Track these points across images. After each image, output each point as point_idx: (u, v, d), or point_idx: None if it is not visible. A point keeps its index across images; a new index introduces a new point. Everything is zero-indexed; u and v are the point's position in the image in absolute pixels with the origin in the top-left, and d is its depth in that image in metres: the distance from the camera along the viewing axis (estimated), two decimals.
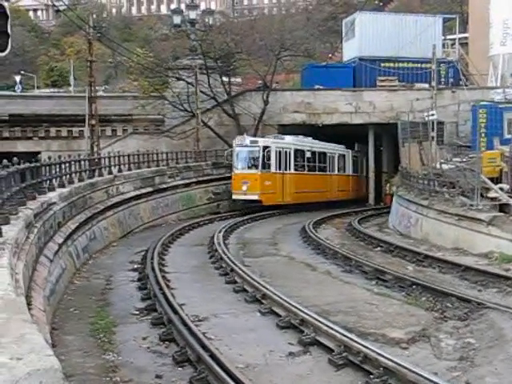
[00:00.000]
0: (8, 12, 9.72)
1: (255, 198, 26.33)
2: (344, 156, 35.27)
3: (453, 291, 10.64)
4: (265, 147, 26.64)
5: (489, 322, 8.77)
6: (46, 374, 2.88)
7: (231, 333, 8.51)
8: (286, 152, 28.09)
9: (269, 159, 26.70)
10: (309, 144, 30.84)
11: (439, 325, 8.96)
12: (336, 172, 34.12)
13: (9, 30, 9.90)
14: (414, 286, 11.25)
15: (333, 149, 34.13)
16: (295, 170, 29.14)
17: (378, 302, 10.29)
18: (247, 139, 27.04)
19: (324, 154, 32.95)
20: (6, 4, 10.31)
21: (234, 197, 26.76)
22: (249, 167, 26.92)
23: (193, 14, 28.15)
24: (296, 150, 29.03)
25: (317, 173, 31.84)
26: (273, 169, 27.14)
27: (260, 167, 26.56)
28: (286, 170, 28.03)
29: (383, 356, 6.78)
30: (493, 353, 7.55)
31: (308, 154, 30.30)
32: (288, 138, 29.18)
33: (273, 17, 72.01)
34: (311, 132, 32.34)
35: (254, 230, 21.31)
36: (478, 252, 15.05)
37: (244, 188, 26.13)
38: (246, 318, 9.34)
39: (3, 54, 10.22)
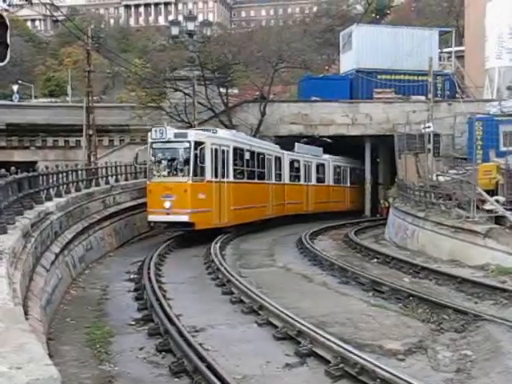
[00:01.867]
0: (8, 22, 9.78)
1: (184, 219, 18.54)
2: (323, 165, 32.84)
3: (449, 303, 10.65)
4: (197, 143, 18.80)
5: (485, 334, 8.78)
6: None
7: (228, 344, 8.49)
8: (223, 151, 20.60)
9: (203, 161, 18.95)
10: (253, 143, 24.36)
11: (436, 336, 8.96)
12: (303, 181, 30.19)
13: (8, 40, 9.96)
14: (410, 298, 11.24)
15: (271, 150, 26.77)
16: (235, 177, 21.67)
17: (375, 314, 10.28)
18: (170, 131, 19.09)
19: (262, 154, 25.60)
20: (5, 14, 10.36)
21: (150, 218, 18.92)
22: (173, 174, 18.95)
23: (191, 26, 28.21)
24: (236, 149, 21.68)
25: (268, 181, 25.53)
26: (208, 175, 19.40)
27: (191, 173, 18.66)
28: (223, 177, 20.49)
29: (380, 367, 6.78)
30: (490, 365, 7.55)
31: (247, 156, 22.95)
32: (224, 133, 22.33)
33: (270, 28, 72.35)
34: (308, 144, 32.40)
35: (250, 241, 21.29)
36: (474, 264, 15.06)
37: (166, 205, 18.23)
38: (243, 329, 9.33)
39: (2, 63, 10.25)
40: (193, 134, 19.11)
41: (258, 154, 24.33)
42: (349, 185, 36.46)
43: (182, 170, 18.86)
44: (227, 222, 20.73)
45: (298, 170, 29.49)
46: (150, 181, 19.11)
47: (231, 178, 21.08)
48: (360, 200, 36.94)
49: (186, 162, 18.81)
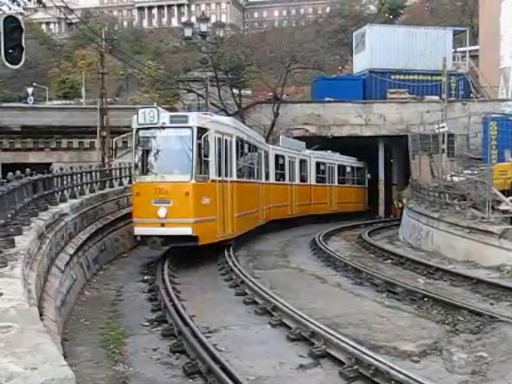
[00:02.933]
0: (23, 25, 9.88)
1: (186, 232, 14.33)
2: (306, 161, 29.14)
3: (464, 304, 10.57)
4: (201, 130, 14.67)
5: (501, 335, 8.69)
6: None
7: (242, 345, 8.48)
8: (226, 142, 16.44)
9: (207, 154, 14.67)
10: (250, 133, 20.38)
11: (451, 338, 8.89)
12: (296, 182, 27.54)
13: (23, 43, 10.06)
14: (425, 299, 11.18)
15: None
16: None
17: (389, 315, 10.23)
18: (164, 114, 15.13)
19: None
20: (20, 17, 10.47)
21: (137, 231, 14.68)
22: (169, 171, 14.77)
23: (203, 27, 28.27)
24: (238, 140, 17.72)
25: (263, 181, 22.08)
26: (212, 173, 15.24)
27: (194, 170, 14.50)
28: (226, 175, 16.37)
29: (395, 369, 6.73)
30: (506, 367, 7.48)
31: (246, 149, 19.19)
32: (225, 118, 19.11)
33: (283, 29, 72.43)
34: (321, 144, 32.33)
35: (263, 242, 21.27)
36: (489, 265, 14.94)
37: (161, 213, 14.10)
38: (257, 330, 9.32)
39: (17, 66, 10.36)
40: (195, 118, 14.87)
41: (254, 147, 20.68)
42: (336, 184, 33.16)
43: (181, 166, 14.63)
44: (231, 234, 16.47)
45: (282, 167, 25.79)
46: (137, 181, 14.84)
47: (234, 177, 16.90)
48: (353, 201, 35.08)
49: (187, 154, 14.56)
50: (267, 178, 22.85)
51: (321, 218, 29.55)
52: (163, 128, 14.66)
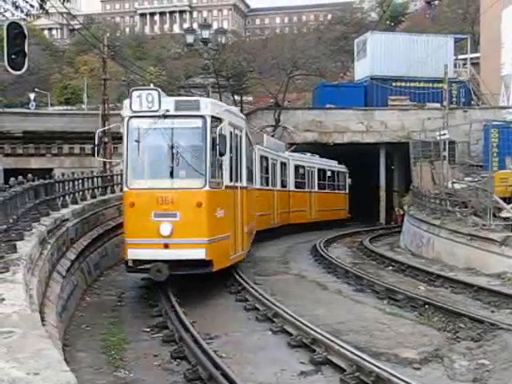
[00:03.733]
0: (26, 32, 9.93)
1: (198, 255, 11.27)
2: (285, 164, 26.18)
3: (465, 312, 10.56)
4: (215, 121, 11.67)
5: (502, 343, 8.68)
6: None
7: (242, 351, 8.48)
8: (237, 137, 13.46)
9: (223, 151, 11.48)
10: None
11: (452, 345, 8.88)
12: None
13: (26, 49, 10.11)
14: (426, 306, 11.17)
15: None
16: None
17: (390, 322, 10.22)
18: (168, 99, 11.95)
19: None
20: (23, 24, 10.51)
21: (131, 254, 11.42)
22: (174, 174, 11.58)
23: (205, 34, 28.34)
24: (247, 136, 15.20)
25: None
26: (226, 177, 12.30)
27: (208, 173, 11.47)
28: (237, 180, 13.39)
29: (396, 376, 6.73)
30: (507, 375, 7.47)
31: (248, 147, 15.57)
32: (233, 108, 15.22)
33: (284, 36, 72.64)
34: (322, 151, 32.33)
35: (264, 249, 21.25)
36: (490, 272, 14.93)
37: (164, 230, 11.09)
38: (258, 337, 9.31)
39: (20, 72, 10.40)
40: (208, 105, 11.76)
41: (251, 145, 17.46)
42: (316, 190, 30.06)
43: (191, 168, 11.47)
44: (241, 254, 13.91)
45: (267, 170, 22.96)
46: (130, 187, 11.57)
47: (244, 183, 14.00)
48: (334, 208, 32.36)
49: (199, 152, 11.54)
50: (255, 182, 18.91)
51: (300, 228, 26.89)
52: (166, 117, 11.39)
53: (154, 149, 12.05)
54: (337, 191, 33.12)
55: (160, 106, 11.33)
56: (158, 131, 11.54)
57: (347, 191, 34.97)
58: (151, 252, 11.19)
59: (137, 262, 11.57)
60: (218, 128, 11.40)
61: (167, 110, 11.40)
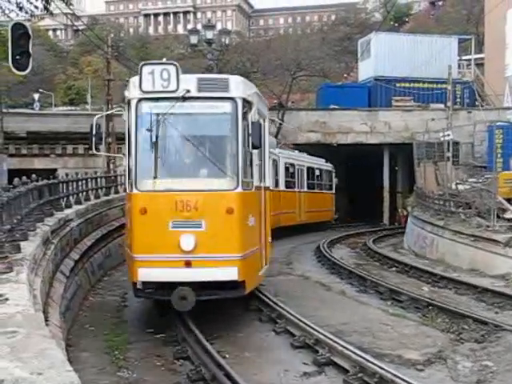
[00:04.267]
0: (30, 32, 9.96)
1: (229, 275, 9.13)
2: (276, 162, 23.53)
3: (469, 313, 10.54)
4: (246, 104, 9.50)
5: (506, 344, 8.66)
6: None
7: (246, 352, 8.48)
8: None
9: (257, 144, 9.47)
10: None
11: (456, 347, 8.86)
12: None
13: (30, 50, 10.14)
14: (429, 307, 11.16)
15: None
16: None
17: (394, 323, 10.21)
18: (188, 77, 9.49)
19: None
20: (28, 24, 10.55)
21: (143, 275, 9.17)
22: (198, 173, 9.68)
23: (209, 34, 28.33)
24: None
25: None
26: (256, 176, 10.12)
27: (240, 171, 9.24)
28: (261, 180, 10.91)
29: (399, 377, 6.72)
30: (511, 376, 7.45)
31: None
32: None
33: (288, 37, 72.53)
34: (326, 152, 32.29)
35: None
36: (494, 273, 14.90)
37: (185, 244, 8.89)
38: (261, 337, 9.31)
39: (24, 72, 10.44)
40: (240, 85, 9.45)
41: None
42: (306, 190, 28.44)
43: (219, 165, 9.33)
44: (266, 269, 11.36)
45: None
46: (140, 189, 9.24)
47: (267, 182, 11.53)
48: (322, 209, 30.83)
49: (229, 145, 9.50)
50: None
51: (287, 231, 24.13)
52: (186, 99, 9.14)
53: (170, 140, 9.59)
54: (324, 191, 31.67)
55: (178, 85, 8.96)
56: (175, 118, 9.32)
57: (334, 191, 33.03)
58: (169, 272, 8.91)
59: (148, 284, 9.25)
60: (250, 114, 9.45)
61: (187, 91, 9.06)
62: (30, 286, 5.88)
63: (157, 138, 9.23)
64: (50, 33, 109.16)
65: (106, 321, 10.26)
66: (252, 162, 9.69)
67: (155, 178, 9.26)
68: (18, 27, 10.00)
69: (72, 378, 2.99)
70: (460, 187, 21.23)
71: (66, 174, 14.84)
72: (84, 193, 15.61)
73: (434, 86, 34.90)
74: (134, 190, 9.23)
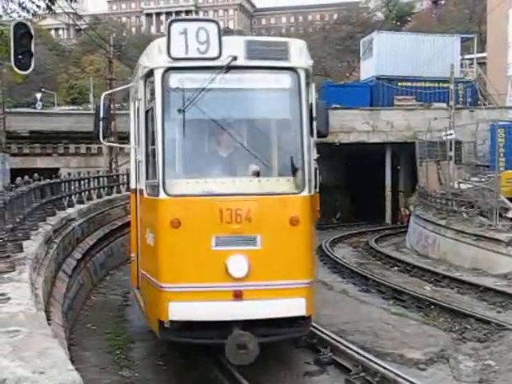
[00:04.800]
0: (32, 32, 9.96)
1: (296, 310, 6.65)
2: None
3: (472, 312, 10.54)
4: (308, 75, 7.08)
5: (509, 343, 8.66)
6: None
7: None
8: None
9: (324, 131, 7.22)
10: None
11: (458, 346, 8.86)
12: None
13: (32, 49, 10.14)
14: (432, 307, 11.17)
15: None
16: None
17: (396, 322, 10.20)
18: (233, 38, 8.50)
19: None
20: (30, 24, 10.56)
21: (175, 314, 6.56)
22: (244, 169, 7.09)
23: None
24: None
25: None
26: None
27: (306, 167, 6.84)
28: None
29: (401, 377, 6.72)
30: None
31: None
32: None
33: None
34: (328, 151, 32.23)
35: None
36: (497, 273, 14.89)
37: (236, 269, 6.49)
38: None
39: (26, 72, 10.44)
40: (303, 51, 7.22)
41: None
42: None
43: (277, 160, 7.35)
44: None
45: None
46: (170, 193, 6.78)
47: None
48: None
49: (291, 133, 7.20)
50: None
51: None
52: (232, 70, 6.86)
53: (211, 125, 7.15)
54: None
55: (221, 49, 6.67)
56: (216, 94, 7.01)
57: (317, 190, 32.34)
58: (213, 307, 6.58)
59: (181, 323, 6.63)
60: (312, 91, 7.27)
61: (234, 58, 6.74)
62: (32, 285, 5.88)
63: (192, 121, 6.97)
64: (52, 32, 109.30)
65: (108, 320, 10.26)
66: (311, 155, 7.22)
67: (190, 177, 6.97)
68: (20, 27, 9.99)
69: (74, 377, 2.99)
70: (462, 186, 21.21)
71: (69, 174, 14.85)
72: (86, 192, 15.63)
73: (436, 85, 34.84)
74: (161, 195, 6.66)
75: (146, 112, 7.25)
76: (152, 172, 7.07)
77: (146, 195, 7.29)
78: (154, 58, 6.95)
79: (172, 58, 6.66)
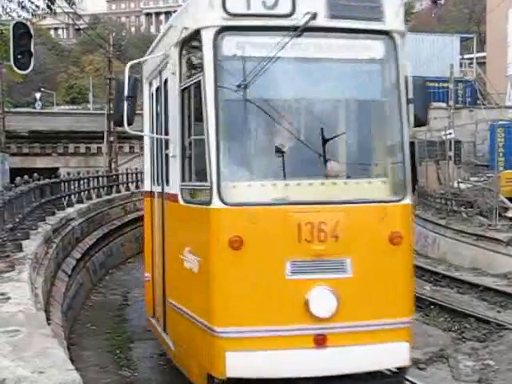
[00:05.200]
0: (31, 31, 9.96)
1: (396, 360, 5.19)
2: None
3: (471, 312, 10.54)
4: (403, 43, 5.43)
5: (508, 343, 8.66)
6: None
7: None
8: None
9: (423, 118, 5.44)
10: None
11: (457, 346, 8.86)
12: None
13: (32, 49, 10.15)
14: (431, 306, 11.16)
15: None
16: None
17: None
18: None
19: None
20: (29, 24, 10.57)
21: (234, 369, 4.73)
22: (323, 169, 5.19)
23: None
24: None
25: None
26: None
27: (407, 163, 5.27)
28: None
29: None
30: None
31: None
32: None
33: None
34: None
35: None
36: (496, 272, 14.89)
37: (319, 308, 4.74)
38: None
39: (26, 71, 10.45)
40: (400, 11, 5.46)
41: None
42: None
43: (370, 156, 5.70)
44: None
45: None
46: (227, 201, 4.88)
47: None
48: None
49: (385, 121, 5.51)
50: None
51: None
52: (310, 32, 5.08)
53: (281, 108, 5.33)
54: None
55: (295, 4, 4.99)
56: (290, 65, 5.31)
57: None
58: (287, 358, 4.87)
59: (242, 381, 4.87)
60: (407, 64, 5.64)
61: (313, 16, 4.97)
62: (32, 285, 5.88)
63: (254, 103, 5.16)
64: (52, 32, 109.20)
65: (107, 320, 10.25)
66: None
67: (254, 178, 5.20)
68: (20, 26, 10.01)
69: (74, 377, 2.99)
70: (462, 186, 21.23)
71: (68, 173, 14.87)
72: (86, 192, 15.62)
73: (436, 84, 34.83)
74: (215, 203, 4.88)
75: (183, 91, 5.42)
76: (195, 171, 5.35)
77: (181, 202, 5.46)
78: (200, 13, 5.03)
79: (229, 13, 4.88)
